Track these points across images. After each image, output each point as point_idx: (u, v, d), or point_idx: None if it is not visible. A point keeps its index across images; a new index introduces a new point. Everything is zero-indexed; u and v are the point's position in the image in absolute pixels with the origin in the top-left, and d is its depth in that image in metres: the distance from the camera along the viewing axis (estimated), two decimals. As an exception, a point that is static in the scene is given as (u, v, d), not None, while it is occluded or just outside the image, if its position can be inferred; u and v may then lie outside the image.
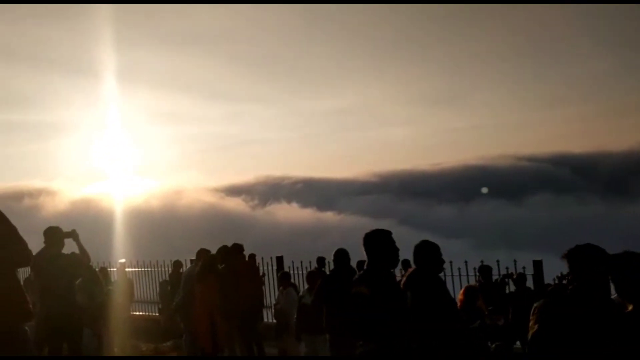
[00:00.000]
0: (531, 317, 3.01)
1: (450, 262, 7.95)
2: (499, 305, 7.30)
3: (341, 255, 6.54)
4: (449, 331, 4.23)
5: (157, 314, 11.49)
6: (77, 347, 6.33)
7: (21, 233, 3.46)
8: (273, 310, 8.85)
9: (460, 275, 8.53)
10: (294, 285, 8.95)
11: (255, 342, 8.08)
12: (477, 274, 8.35)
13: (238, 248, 8.25)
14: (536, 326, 2.88)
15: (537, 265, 8.65)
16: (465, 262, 8.37)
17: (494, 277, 8.40)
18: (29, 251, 3.51)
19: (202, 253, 7.76)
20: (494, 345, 5.62)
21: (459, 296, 6.06)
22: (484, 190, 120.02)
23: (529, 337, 2.92)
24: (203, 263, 7.14)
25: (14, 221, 3.46)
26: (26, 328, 3.50)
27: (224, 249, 7.85)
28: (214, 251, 7.82)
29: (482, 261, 8.48)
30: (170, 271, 11.22)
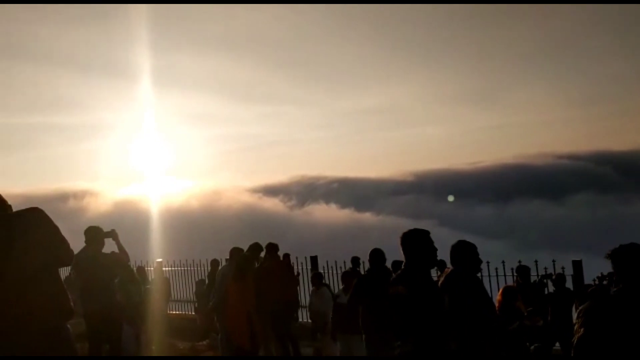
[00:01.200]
0: (576, 321, 2.89)
1: (488, 262, 7.79)
2: (538, 306, 7.12)
3: (376, 255, 6.50)
4: (487, 332, 4.14)
5: (193, 313, 11.65)
6: (116, 345, 6.45)
7: (67, 233, 3.55)
8: (308, 310, 8.85)
9: (497, 275, 8.36)
10: (326, 285, 8.93)
11: (291, 341, 8.09)
12: (515, 274, 8.16)
13: (272, 247, 8.28)
14: (582, 330, 2.77)
15: (577, 265, 8.44)
16: (503, 262, 8.19)
17: (533, 278, 8.21)
18: (71, 251, 3.59)
19: (235, 252, 7.80)
20: (533, 347, 5.49)
21: (497, 297, 5.93)
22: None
23: (575, 341, 2.81)
24: (238, 262, 7.16)
25: (60, 222, 3.55)
26: (68, 326, 3.58)
27: (256, 247, 7.88)
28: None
29: (519, 261, 8.28)
30: (205, 270, 11.38)
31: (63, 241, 3.48)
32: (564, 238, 69.13)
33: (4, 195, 3.52)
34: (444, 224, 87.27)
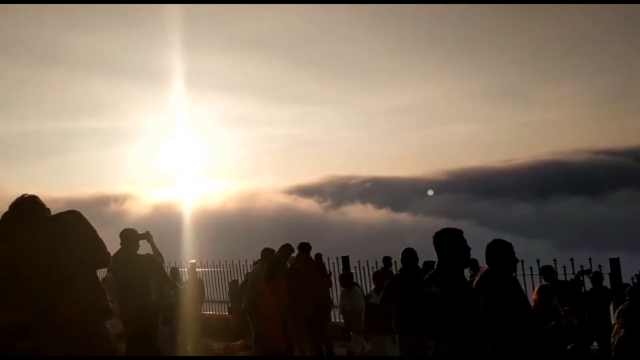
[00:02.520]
0: (616, 321, 2.81)
1: (522, 260, 7.62)
2: (574, 305, 6.95)
3: (408, 255, 6.45)
4: (523, 332, 4.06)
5: (227, 313, 11.76)
6: (152, 345, 6.54)
7: (110, 237, 3.66)
8: (340, 310, 8.82)
9: (532, 274, 8.16)
10: (357, 285, 8.90)
11: (324, 342, 8.08)
12: (540, 275, 7.95)
13: (304, 248, 8.27)
14: (622, 330, 2.69)
15: (614, 263, 8.20)
16: (538, 260, 8.01)
17: (568, 277, 8.01)
18: (108, 253, 3.67)
19: (266, 253, 7.83)
20: (569, 347, 5.35)
21: (532, 296, 5.81)
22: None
23: (615, 341, 2.73)
24: (269, 264, 7.19)
25: (103, 225, 3.65)
26: (107, 326, 3.66)
27: (287, 248, 7.90)
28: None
29: (537, 260, 8.09)
30: (239, 271, 11.47)
31: (100, 243, 3.57)
32: (604, 236, 67.31)
33: (45, 200, 3.63)
34: (482, 223, 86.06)
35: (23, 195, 3.60)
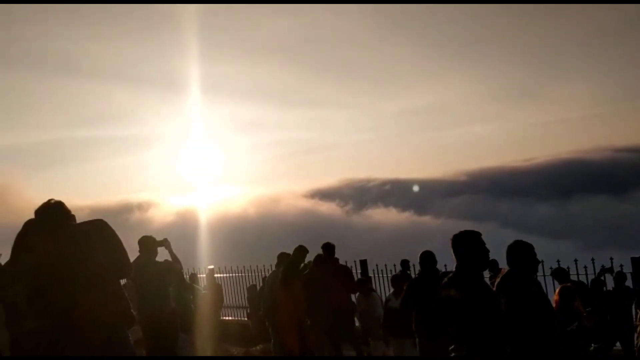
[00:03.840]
0: (639, 321, 2.73)
1: (542, 261, 7.47)
2: (595, 305, 6.81)
3: (427, 258, 6.40)
4: (545, 334, 3.99)
5: (246, 319, 11.76)
6: (171, 351, 6.56)
7: (134, 245, 3.71)
8: (357, 316, 8.74)
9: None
10: (373, 290, 8.80)
11: (353, 345, 7.99)
12: (552, 277, 7.76)
13: (321, 254, 8.16)
14: None
15: (636, 262, 7.99)
16: (558, 261, 7.86)
17: (590, 277, 7.85)
18: (130, 263, 3.73)
19: (283, 257, 7.81)
20: (592, 347, 5.24)
21: (554, 297, 5.71)
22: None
23: (638, 342, 2.65)
24: (284, 269, 7.17)
25: (128, 233, 3.70)
26: (128, 332, 3.67)
27: (301, 250, 7.85)
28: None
29: (558, 261, 7.91)
30: (257, 276, 11.47)
31: (123, 253, 3.63)
32: (630, 235, 66.01)
33: (70, 208, 3.68)
34: (507, 225, 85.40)
35: (49, 201, 3.66)
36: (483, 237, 3.92)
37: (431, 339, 5.86)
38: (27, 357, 3.77)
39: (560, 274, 7.66)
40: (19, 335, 3.82)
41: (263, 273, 10.92)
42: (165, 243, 6.66)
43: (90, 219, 3.68)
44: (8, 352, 3.96)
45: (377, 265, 9.32)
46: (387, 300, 7.60)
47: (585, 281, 7.88)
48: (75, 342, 3.36)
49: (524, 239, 4.32)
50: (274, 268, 8.15)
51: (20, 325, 3.79)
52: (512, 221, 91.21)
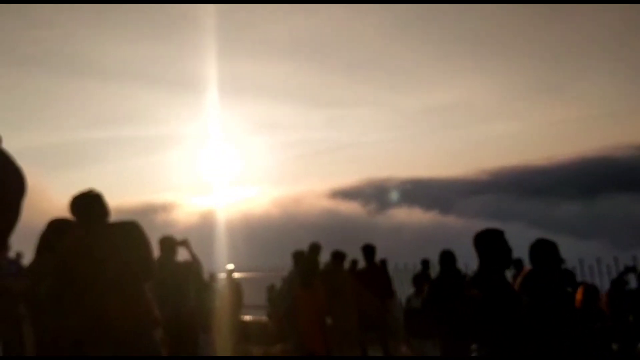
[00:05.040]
0: None
1: (564, 260, 7.31)
2: (618, 304, 6.67)
3: (447, 257, 6.36)
4: (568, 333, 3.93)
5: (266, 318, 11.80)
6: (192, 351, 6.60)
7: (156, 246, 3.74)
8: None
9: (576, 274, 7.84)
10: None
11: (382, 344, 7.94)
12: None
13: (337, 256, 8.10)
14: None
15: (656, 261, 7.79)
16: (580, 260, 7.72)
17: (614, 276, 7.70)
18: (154, 267, 3.76)
19: (298, 256, 7.78)
20: (616, 347, 5.15)
21: (577, 296, 5.62)
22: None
23: None
24: (302, 268, 7.14)
25: (154, 234, 3.74)
26: (152, 334, 3.69)
27: (315, 247, 7.81)
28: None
29: (580, 260, 7.77)
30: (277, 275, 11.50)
31: (150, 255, 3.65)
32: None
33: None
34: (534, 225, 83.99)
35: (90, 191, 3.66)
36: (510, 237, 3.89)
37: (452, 339, 5.82)
38: (52, 356, 3.84)
39: (518, 264, 7.50)
40: (43, 334, 3.90)
41: (283, 273, 10.93)
42: (185, 243, 6.70)
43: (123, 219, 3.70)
44: (33, 350, 4.05)
45: (396, 264, 9.22)
46: (408, 300, 7.56)
47: (608, 280, 7.74)
48: (103, 341, 3.38)
49: (552, 240, 4.27)
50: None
51: (45, 324, 3.86)
52: (539, 221, 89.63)
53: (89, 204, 3.62)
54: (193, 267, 6.76)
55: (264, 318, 12.00)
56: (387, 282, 8.20)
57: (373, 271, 7.87)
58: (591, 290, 5.75)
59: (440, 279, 6.41)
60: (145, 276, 3.73)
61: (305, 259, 7.39)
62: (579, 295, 5.66)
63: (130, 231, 3.60)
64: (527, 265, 4.38)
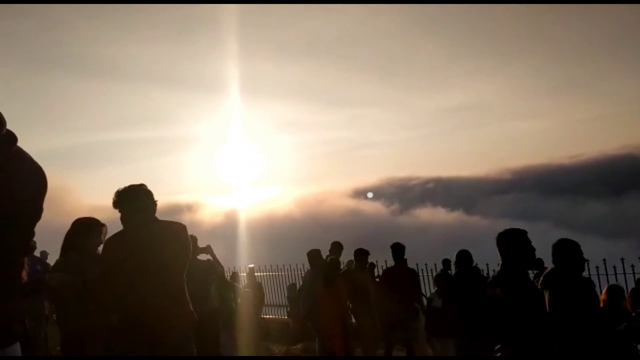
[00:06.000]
0: None
1: (587, 260, 7.22)
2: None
3: (463, 257, 6.35)
4: (592, 334, 3.88)
5: (286, 317, 11.83)
6: (214, 350, 6.65)
7: None
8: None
9: (598, 274, 7.71)
10: None
11: (406, 345, 7.90)
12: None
13: (360, 254, 8.06)
14: None
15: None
16: (604, 260, 7.57)
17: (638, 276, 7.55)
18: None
19: (314, 255, 7.77)
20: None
21: (601, 296, 5.54)
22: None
23: None
24: (324, 268, 7.13)
25: None
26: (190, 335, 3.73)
27: (337, 246, 7.76)
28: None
29: (604, 260, 7.61)
30: (297, 275, 11.53)
31: (188, 259, 3.72)
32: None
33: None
34: (559, 224, 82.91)
35: (141, 185, 3.65)
36: (536, 237, 3.88)
37: (469, 338, 5.79)
38: (76, 356, 3.91)
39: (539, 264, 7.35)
40: (69, 333, 3.96)
41: (303, 272, 10.95)
42: (208, 250, 6.75)
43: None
44: (59, 348, 4.12)
45: (417, 264, 9.13)
46: (430, 299, 7.51)
47: (634, 280, 7.59)
48: (145, 341, 3.40)
49: (578, 239, 4.21)
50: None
51: (71, 322, 3.93)
52: (565, 221, 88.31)
53: (143, 202, 3.60)
54: (214, 266, 6.82)
55: (285, 317, 12.05)
56: (413, 282, 8.05)
57: (401, 270, 7.76)
58: (616, 290, 5.65)
59: (456, 278, 6.41)
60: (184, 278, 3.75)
61: (329, 260, 7.37)
62: (603, 296, 5.57)
63: (179, 232, 3.64)
64: (548, 266, 4.34)
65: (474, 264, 7.48)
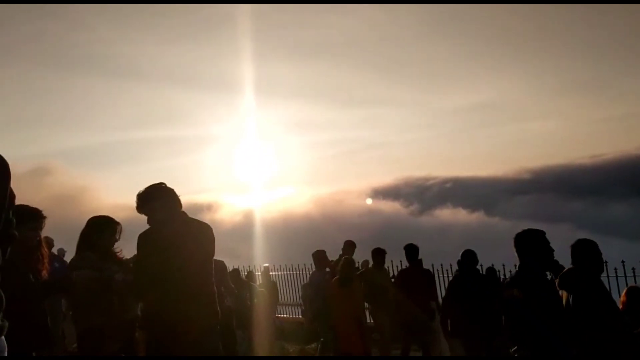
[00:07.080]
0: None
1: (606, 262, 7.07)
2: None
3: (467, 257, 6.37)
4: (610, 335, 3.83)
5: (301, 317, 11.85)
6: (231, 349, 6.68)
7: None
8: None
9: (617, 276, 7.56)
10: None
11: (422, 345, 7.86)
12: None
13: (378, 254, 8.02)
14: None
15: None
16: (623, 262, 7.46)
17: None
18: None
19: (319, 255, 7.74)
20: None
21: (621, 298, 5.45)
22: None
23: None
24: (341, 268, 7.10)
25: None
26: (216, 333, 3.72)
27: (351, 245, 7.71)
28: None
29: (623, 262, 7.47)
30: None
31: (210, 259, 3.73)
32: None
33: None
34: (582, 226, 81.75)
35: (160, 184, 3.70)
36: (557, 239, 3.85)
37: (479, 338, 5.76)
38: (90, 356, 3.94)
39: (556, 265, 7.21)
40: (84, 331, 3.98)
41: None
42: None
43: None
44: (75, 346, 4.15)
45: (432, 264, 9.06)
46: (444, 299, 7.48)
47: None
48: (166, 338, 3.44)
49: (602, 241, 4.19)
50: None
51: (88, 320, 3.96)
52: (587, 222, 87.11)
53: (172, 200, 3.64)
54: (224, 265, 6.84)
55: (299, 316, 12.05)
56: (428, 283, 7.97)
57: (416, 271, 7.71)
58: (635, 292, 5.56)
59: (458, 278, 6.41)
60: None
61: (344, 260, 7.33)
62: (622, 297, 5.49)
63: (206, 231, 3.68)
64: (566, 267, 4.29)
65: (491, 265, 7.48)
